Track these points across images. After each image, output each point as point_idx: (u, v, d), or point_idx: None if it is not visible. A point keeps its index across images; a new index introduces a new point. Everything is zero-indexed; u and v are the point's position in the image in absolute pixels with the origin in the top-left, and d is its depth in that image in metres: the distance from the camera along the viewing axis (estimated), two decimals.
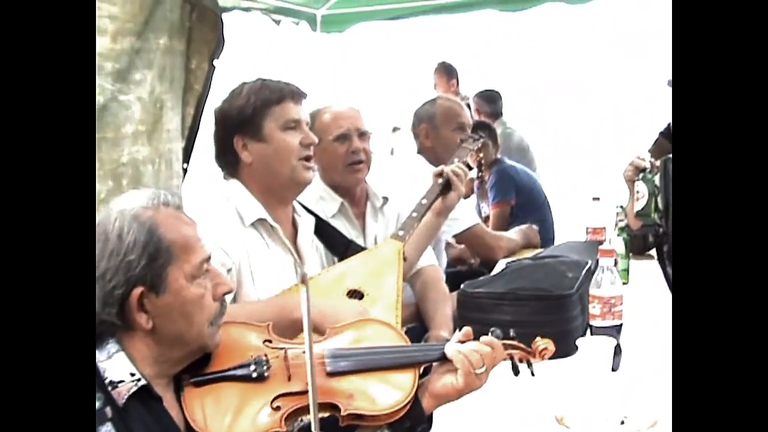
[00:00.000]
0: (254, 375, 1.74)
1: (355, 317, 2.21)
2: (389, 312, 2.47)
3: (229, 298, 1.85)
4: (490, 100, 6.34)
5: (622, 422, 2.01)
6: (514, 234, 4.07)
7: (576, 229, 4.10)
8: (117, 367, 1.62)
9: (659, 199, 3.17)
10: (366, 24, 5.49)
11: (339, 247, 2.87)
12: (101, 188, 2.54)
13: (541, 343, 1.94)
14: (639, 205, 3.25)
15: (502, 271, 2.95)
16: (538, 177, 5.19)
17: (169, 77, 2.94)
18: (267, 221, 2.48)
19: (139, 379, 1.62)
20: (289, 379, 1.76)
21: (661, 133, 4.30)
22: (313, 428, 1.49)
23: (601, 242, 3.38)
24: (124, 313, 1.64)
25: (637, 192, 3.24)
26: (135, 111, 2.72)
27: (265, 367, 1.76)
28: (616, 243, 3.12)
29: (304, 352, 1.65)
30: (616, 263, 2.74)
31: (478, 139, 3.45)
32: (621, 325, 2.56)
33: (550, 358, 1.97)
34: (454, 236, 3.83)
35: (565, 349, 2.26)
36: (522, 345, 1.94)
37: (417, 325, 3.04)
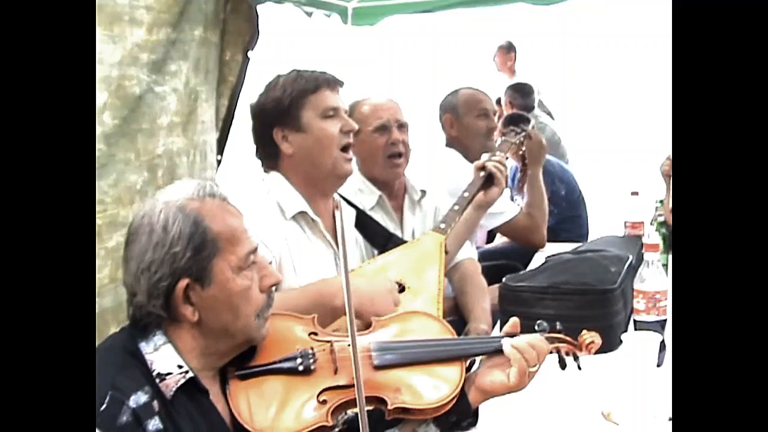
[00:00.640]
0: (300, 368, 1.72)
1: (387, 297, 2.20)
2: (431, 305, 2.45)
3: (275, 290, 1.82)
4: (523, 92, 6.29)
5: (671, 419, 1.97)
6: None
7: (609, 224, 4.05)
8: (164, 359, 1.60)
9: None
10: (397, 17, 5.45)
11: (379, 239, 2.84)
12: (137, 179, 2.53)
13: (587, 336, 1.91)
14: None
15: (543, 264, 2.91)
16: (571, 171, 5.16)
17: (203, 69, 2.93)
18: (308, 214, 2.46)
19: (186, 372, 1.60)
20: (336, 372, 1.73)
21: None
22: (360, 425, 1.47)
23: (639, 237, 3.34)
24: (170, 305, 1.62)
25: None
26: (170, 102, 2.71)
27: (311, 360, 1.73)
28: (654, 239, 3.07)
29: (350, 345, 1.62)
30: None
31: (520, 132, 3.43)
32: (665, 320, 2.51)
33: (596, 353, 1.93)
34: (497, 228, 3.81)
35: (608, 344, 2.21)
36: (569, 338, 1.91)
37: (456, 318, 3.01)
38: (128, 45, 2.46)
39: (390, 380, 1.76)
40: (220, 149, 3.18)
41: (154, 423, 1.52)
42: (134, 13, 2.50)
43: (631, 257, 2.88)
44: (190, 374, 1.60)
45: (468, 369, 1.86)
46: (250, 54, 3.22)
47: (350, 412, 1.76)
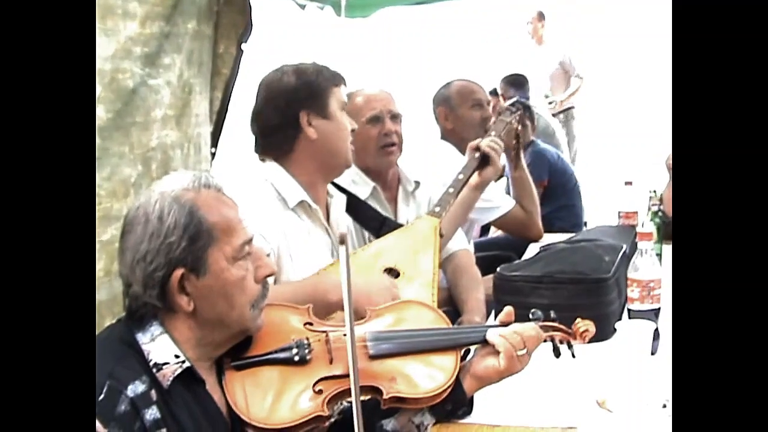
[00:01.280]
0: (296, 358, 1.73)
1: (384, 293, 2.20)
2: (426, 290, 2.46)
3: (270, 280, 1.83)
4: (516, 84, 6.30)
5: (664, 406, 1.98)
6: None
7: (604, 214, 4.06)
8: (161, 349, 1.61)
9: None
10: (390, 9, 5.46)
11: (373, 223, 2.85)
12: (131, 172, 2.52)
13: (581, 324, 1.92)
14: None
15: (538, 254, 2.92)
16: (567, 160, 5.19)
17: (197, 61, 2.92)
18: (307, 203, 2.47)
19: (183, 361, 1.61)
20: (331, 362, 1.74)
21: None
22: (354, 413, 1.47)
23: (633, 226, 3.36)
24: (166, 295, 1.62)
25: None
26: (164, 95, 2.70)
27: (306, 350, 1.74)
28: (648, 228, 3.09)
29: (345, 335, 1.63)
30: None
31: (515, 111, 3.40)
32: (659, 309, 2.52)
33: (590, 341, 1.94)
34: (492, 222, 3.81)
35: (602, 332, 2.22)
36: (563, 326, 1.92)
37: (450, 309, 3.02)
38: (121, 38, 2.46)
39: (385, 370, 1.76)
40: (215, 142, 3.17)
41: (152, 412, 1.53)
42: (127, 6, 2.50)
43: (625, 246, 2.89)
44: (187, 364, 1.61)
45: (463, 358, 1.87)
46: (243, 46, 3.21)
47: (346, 402, 1.77)
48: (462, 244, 3.24)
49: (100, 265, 2.34)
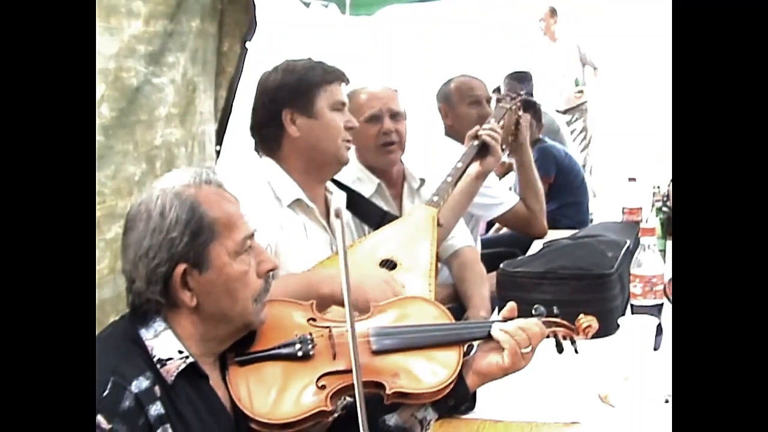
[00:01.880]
0: (299, 353, 1.73)
1: (381, 287, 2.21)
2: (422, 280, 2.46)
3: (272, 275, 1.83)
4: (521, 80, 6.29)
5: (667, 401, 1.99)
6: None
7: (611, 210, 4.06)
8: (165, 344, 1.62)
9: None
10: (395, 6, 5.47)
11: (374, 218, 2.85)
12: (135, 170, 2.53)
13: (584, 320, 1.93)
14: None
15: (541, 250, 2.92)
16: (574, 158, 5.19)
17: (201, 60, 2.93)
18: (303, 201, 2.47)
19: (187, 357, 1.62)
20: (335, 357, 1.75)
21: None
22: (358, 408, 1.48)
23: (636, 223, 3.36)
24: (168, 291, 1.63)
25: None
26: (168, 94, 2.71)
27: (310, 346, 1.75)
28: (651, 223, 3.09)
29: (348, 331, 1.63)
30: None
31: (514, 97, 3.38)
32: (662, 304, 2.52)
33: (592, 337, 1.94)
34: (496, 219, 3.81)
35: (605, 328, 2.23)
36: (565, 322, 1.93)
37: (455, 305, 3.02)
38: (125, 37, 2.46)
39: (388, 365, 1.77)
40: (219, 140, 3.18)
41: (156, 408, 1.54)
42: (131, 4, 2.50)
43: (628, 242, 2.89)
44: (191, 359, 1.62)
45: (466, 354, 1.88)
46: (248, 45, 3.22)
47: (349, 397, 1.78)
48: (467, 240, 3.24)
49: (104, 263, 2.35)
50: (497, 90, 6.17)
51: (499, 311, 1.98)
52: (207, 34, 2.96)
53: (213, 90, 3.08)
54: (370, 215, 2.86)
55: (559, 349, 1.90)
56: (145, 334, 1.63)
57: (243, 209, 1.74)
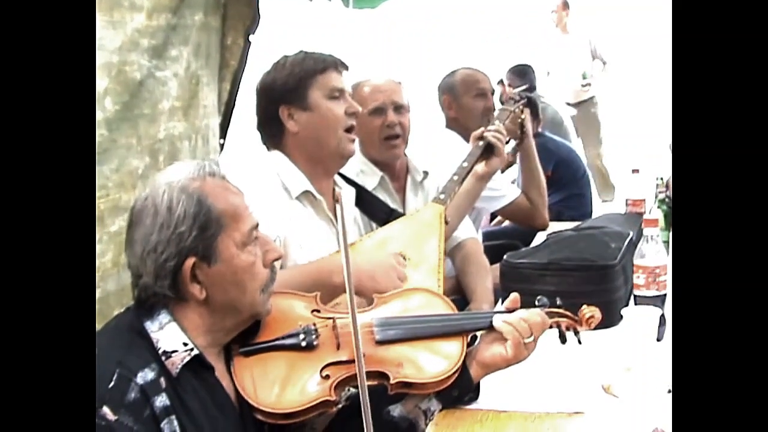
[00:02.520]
0: (303, 344, 1.75)
1: (389, 272, 2.22)
2: (431, 276, 2.46)
3: (277, 265, 1.84)
4: (522, 74, 6.28)
5: (669, 391, 1.99)
6: None
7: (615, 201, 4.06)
8: (170, 337, 1.63)
9: None
10: None
11: (381, 215, 2.85)
12: (139, 164, 2.53)
13: (587, 311, 1.93)
14: None
15: (545, 242, 2.92)
16: (575, 150, 5.18)
17: (204, 53, 2.93)
18: (311, 193, 2.48)
19: (192, 349, 1.63)
20: (338, 347, 1.76)
21: None
22: (361, 395, 1.49)
23: (640, 214, 3.36)
24: (177, 285, 1.64)
25: None
26: (171, 87, 2.71)
27: (314, 336, 1.76)
28: (654, 215, 3.09)
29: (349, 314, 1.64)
30: None
31: (519, 100, 3.39)
32: (665, 295, 2.53)
33: (595, 328, 1.95)
34: (498, 211, 3.81)
35: (609, 319, 2.23)
36: (568, 313, 1.94)
37: (458, 297, 3.03)
38: (128, 30, 2.47)
39: (392, 355, 1.78)
40: (223, 133, 3.18)
41: (162, 399, 1.55)
42: None
43: (631, 233, 2.89)
44: (195, 351, 1.63)
45: (470, 344, 1.89)
46: (251, 38, 3.22)
47: (353, 388, 1.79)
48: (470, 233, 3.24)
49: (108, 257, 2.36)
50: (500, 82, 6.17)
51: (502, 303, 1.98)
52: (210, 28, 2.97)
53: (216, 83, 3.09)
54: (377, 212, 2.86)
55: (562, 339, 1.91)
56: (150, 327, 1.63)
57: (248, 201, 1.75)
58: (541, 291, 2.17)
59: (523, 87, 3.67)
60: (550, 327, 1.90)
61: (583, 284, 2.51)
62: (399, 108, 3.09)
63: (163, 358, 1.60)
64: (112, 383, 1.51)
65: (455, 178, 2.89)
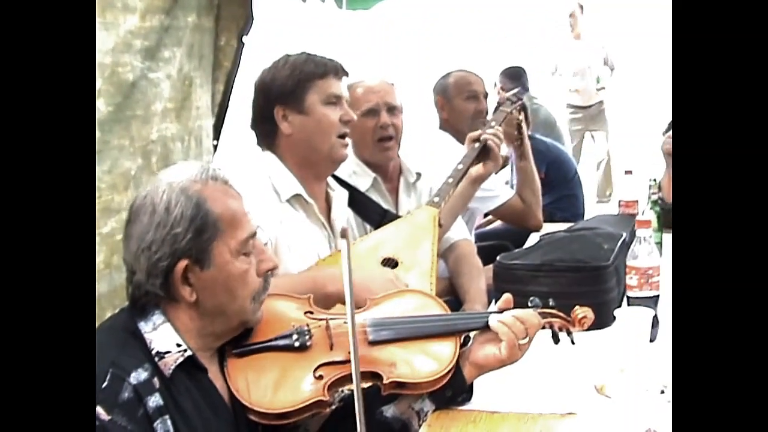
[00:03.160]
0: (296, 344, 1.75)
1: (386, 285, 2.22)
2: (424, 279, 2.47)
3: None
4: (514, 76, 6.28)
5: (662, 392, 1.99)
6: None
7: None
8: (163, 337, 1.63)
9: None
10: (392, 1, 5.45)
11: (374, 216, 2.85)
12: (131, 165, 2.53)
13: (580, 311, 1.94)
14: None
15: (538, 243, 2.93)
16: (567, 151, 5.18)
17: (197, 54, 2.93)
18: (302, 197, 2.47)
19: (185, 350, 1.63)
20: (331, 348, 1.76)
21: None
22: (355, 395, 1.49)
23: (633, 215, 3.36)
24: (168, 285, 1.64)
25: None
26: (164, 88, 2.71)
27: (307, 337, 1.76)
28: (647, 216, 3.09)
29: (345, 322, 1.65)
30: None
31: (515, 101, 3.40)
32: (658, 296, 2.53)
33: (588, 329, 1.95)
34: (491, 212, 3.81)
35: (602, 320, 2.24)
36: (561, 313, 1.94)
37: (451, 298, 3.03)
38: (121, 32, 2.47)
39: (385, 355, 1.79)
40: (216, 134, 3.18)
41: (155, 399, 1.55)
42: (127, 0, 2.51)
43: (624, 235, 2.89)
44: (189, 353, 1.63)
45: (463, 345, 1.89)
46: (244, 39, 3.22)
47: (347, 389, 1.79)
48: (463, 233, 3.24)
49: (100, 258, 2.35)
50: (497, 85, 6.18)
51: (496, 303, 1.99)
52: (203, 29, 2.97)
53: (210, 85, 3.09)
54: (370, 213, 2.86)
55: (556, 340, 1.92)
56: (144, 327, 1.64)
57: (246, 207, 1.75)
58: (534, 292, 2.18)
59: (515, 90, 3.66)
60: (543, 327, 1.90)
61: (576, 285, 2.51)
62: (392, 109, 3.08)
63: (157, 358, 1.60)
64: (105, 383, 1.51)
65: (450, 180, 2.89)
